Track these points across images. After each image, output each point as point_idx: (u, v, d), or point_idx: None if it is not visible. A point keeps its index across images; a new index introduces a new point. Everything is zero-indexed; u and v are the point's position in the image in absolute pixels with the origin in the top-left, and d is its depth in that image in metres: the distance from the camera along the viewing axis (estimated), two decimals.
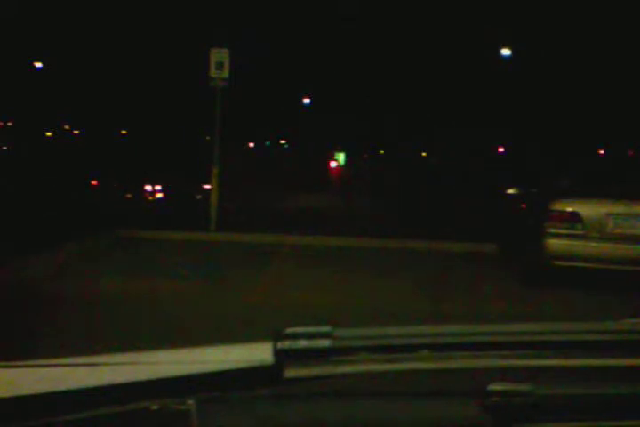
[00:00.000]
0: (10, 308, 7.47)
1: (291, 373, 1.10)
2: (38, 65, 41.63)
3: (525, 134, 38.77)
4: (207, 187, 15.69)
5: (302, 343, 1.10)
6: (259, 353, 1.12)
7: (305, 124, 51.22)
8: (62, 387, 1.11)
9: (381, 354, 1.13)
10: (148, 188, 20.62)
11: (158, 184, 20.64)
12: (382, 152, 62.88)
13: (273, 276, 10.14)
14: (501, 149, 45.91)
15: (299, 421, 1.40)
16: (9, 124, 41.09)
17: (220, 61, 13.97)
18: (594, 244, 9.91)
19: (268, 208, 19.97)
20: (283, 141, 63.07)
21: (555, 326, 1.20)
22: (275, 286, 9.45)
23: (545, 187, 11.29)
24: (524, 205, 11.78)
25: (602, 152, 31.67)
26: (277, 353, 1.10)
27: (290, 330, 1.12)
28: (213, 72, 14.00)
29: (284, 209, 20.11)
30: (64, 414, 1.08)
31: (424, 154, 57.42)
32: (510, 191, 12.48)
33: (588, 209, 9.99)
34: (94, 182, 21.36)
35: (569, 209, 10.00)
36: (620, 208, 9.96)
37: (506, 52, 33.77)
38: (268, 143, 57.96)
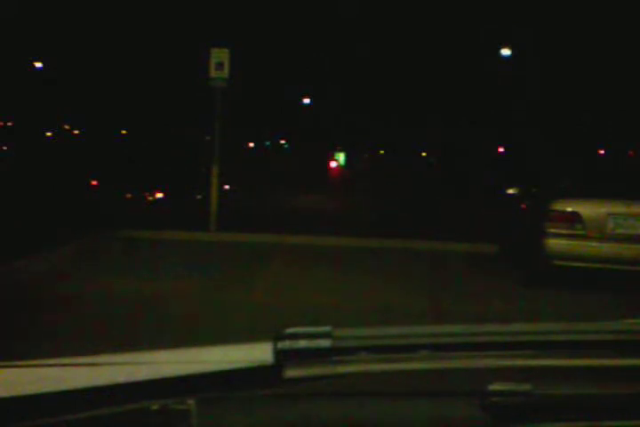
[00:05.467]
0: (9, 308, 7.47)
1: (291, 373, 1.10)
2: (38, 65, 41.62)
3: (525, 134, 38.77)
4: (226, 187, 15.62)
5: (302, 343, 1.10)
6: (259, 353, 1.13)
7: (305, 124, 51.21)
8: (62, 387, 1.11)
9: (381, 354, 1.13)
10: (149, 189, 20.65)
11: (158, 184, 20.66)
12: (382, 152, 62.91)
13: (273, 276, 10.14)
14: (501, 149, 45.92)
15: (299, 421, 1.40)
16: (9, 124, 41.06)
17: (219, 61, 13.97)
18: (594, 244, 9.92)
19: (267, 208, 19.97)
20: (283, 141, 63.07)
21: (555, 326, 1.20)
22: (275, 285, 9.45)
23: (545, 187, 11.29)
24: (523, 205, 11.78)
25: (602, 152, 31.69)
26: (277, 353, 1.10)
27: (290, 330, 1.12)
28: (213, 72, 14.00)
29: (284, 209, 20.11)
30: (64, 414, 1.08)
31: (424, 154, 57.44)
32: (510, 191, 12.49)
33: (588, 209, 9.99)
34: (94, 182, 21.37)
35: (569, 209, 10.00)
36: (620, 208, 9.96)
37: (506, 52, 33.79)
38: (268, 143, 57.95)
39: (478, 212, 18.51)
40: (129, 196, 20.23)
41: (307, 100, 50.12)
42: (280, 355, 1.10)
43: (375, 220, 17.41)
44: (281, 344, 1.10)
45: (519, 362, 1.17)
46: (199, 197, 18.93)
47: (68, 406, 1.09)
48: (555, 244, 9.92)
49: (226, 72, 13.98)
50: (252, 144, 51.38)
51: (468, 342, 1.15)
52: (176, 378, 1.13)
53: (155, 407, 1.16)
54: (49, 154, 25.35)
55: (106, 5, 36.05)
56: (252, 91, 33.54)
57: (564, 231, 9.93)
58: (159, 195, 20.59)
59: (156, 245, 12.40)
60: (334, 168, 51.87)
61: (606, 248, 9.88)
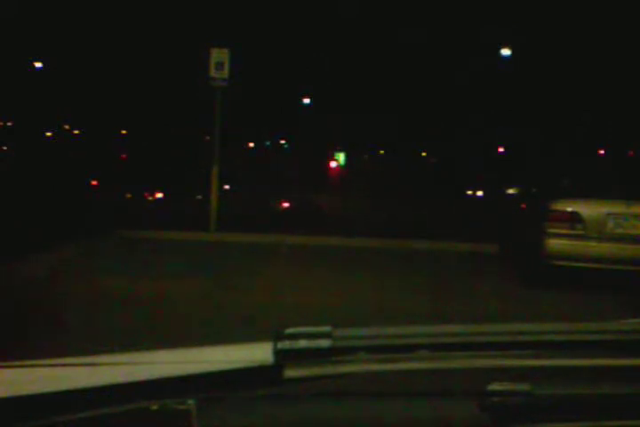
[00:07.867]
0: (9, 308, 7.46)
1: (291, 373, 1.10)
2: (38, 65, 41.62)
3: (526, 134, 38.77)
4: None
5: (302, 343, 1.10)
6: (259, 353, 1.12)
7: (305, 124, 51.19)
8: (62, 387, 1.11)
9: (381, 354, 1.13)
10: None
11: (158, 184, 20.68)
12: (382, 152, 62.84)
13: (273, 276, 10.14)
14: (501, 149, 45.92)
15: (299, 421, 1.40)
16: (9, 124, 41.04)
17: (220, 61, 13.97)
18: (594, 244, 9.92)
19: (267, 208, 19.98)
20: (283, 141, 63.02)
21: (555, 326, 1.19)
22: (274, 285, 9.44)
23: (545, 187, 11.30)
24: (523, 205, 11.79)
25: (602, 152, 31.66)
26: (277, 353, 1.10)
27: (290, 330, 1.12)
28: (213, 72, 14.00)
29: (284, 209, 20.12)
30: (64, 414, 1.08)
31: (424, 154, 57.40)
32: (510, 191, 12.50)
33: (588, 209, 9.99)
34: (94, 182, 21.38)
35: (569, 209, 10.00)
36: (619, 208, 9.96)
37: (506, 52, 33.78)
38: (268, 143, 57.92)
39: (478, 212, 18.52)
40: (129, 195, 20.23)
41: (307, 100, 50.08)
42: (280, 355, 1.10)
43: (375, 219, 17.41)
44: (281, 344, 1.10)
45: (519, 362, 1.17)
46: (199, 197, 18.93)
47: (68, 406, 1.09)
48: (555, 244, 9.93)
49: (226, 72, 13.99)
50: (252, 144, 51.37)
51: (467, 342, 1.15)
52: (176, 378, 1.13)
53: (155, 407, 1.16)
54: (49, 154, 25.34)
55: (106, 5, 36.05)
56: (252, 91, 33.53)
57: (563, 231, 9.93)
58: (159, 195, 20.59)
59: (155, 244, 12.40)
60: (334, 168, 51.86)
61: (606, 248, 9.88)
